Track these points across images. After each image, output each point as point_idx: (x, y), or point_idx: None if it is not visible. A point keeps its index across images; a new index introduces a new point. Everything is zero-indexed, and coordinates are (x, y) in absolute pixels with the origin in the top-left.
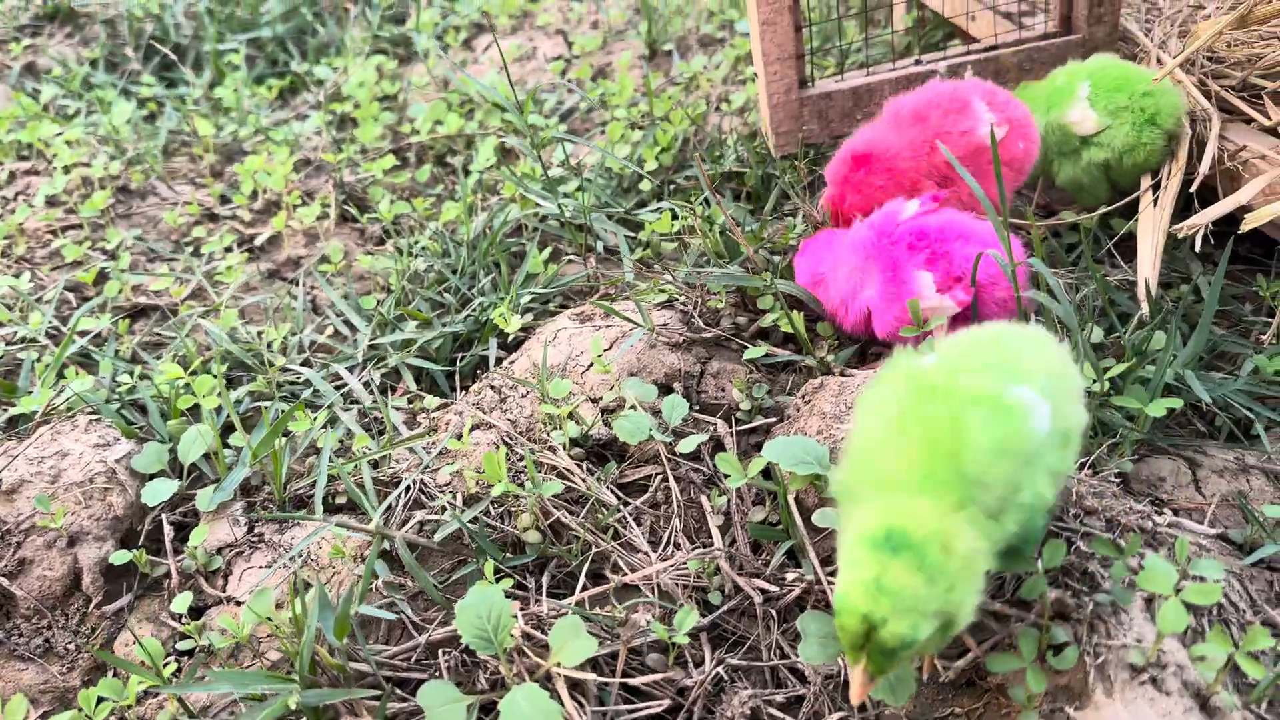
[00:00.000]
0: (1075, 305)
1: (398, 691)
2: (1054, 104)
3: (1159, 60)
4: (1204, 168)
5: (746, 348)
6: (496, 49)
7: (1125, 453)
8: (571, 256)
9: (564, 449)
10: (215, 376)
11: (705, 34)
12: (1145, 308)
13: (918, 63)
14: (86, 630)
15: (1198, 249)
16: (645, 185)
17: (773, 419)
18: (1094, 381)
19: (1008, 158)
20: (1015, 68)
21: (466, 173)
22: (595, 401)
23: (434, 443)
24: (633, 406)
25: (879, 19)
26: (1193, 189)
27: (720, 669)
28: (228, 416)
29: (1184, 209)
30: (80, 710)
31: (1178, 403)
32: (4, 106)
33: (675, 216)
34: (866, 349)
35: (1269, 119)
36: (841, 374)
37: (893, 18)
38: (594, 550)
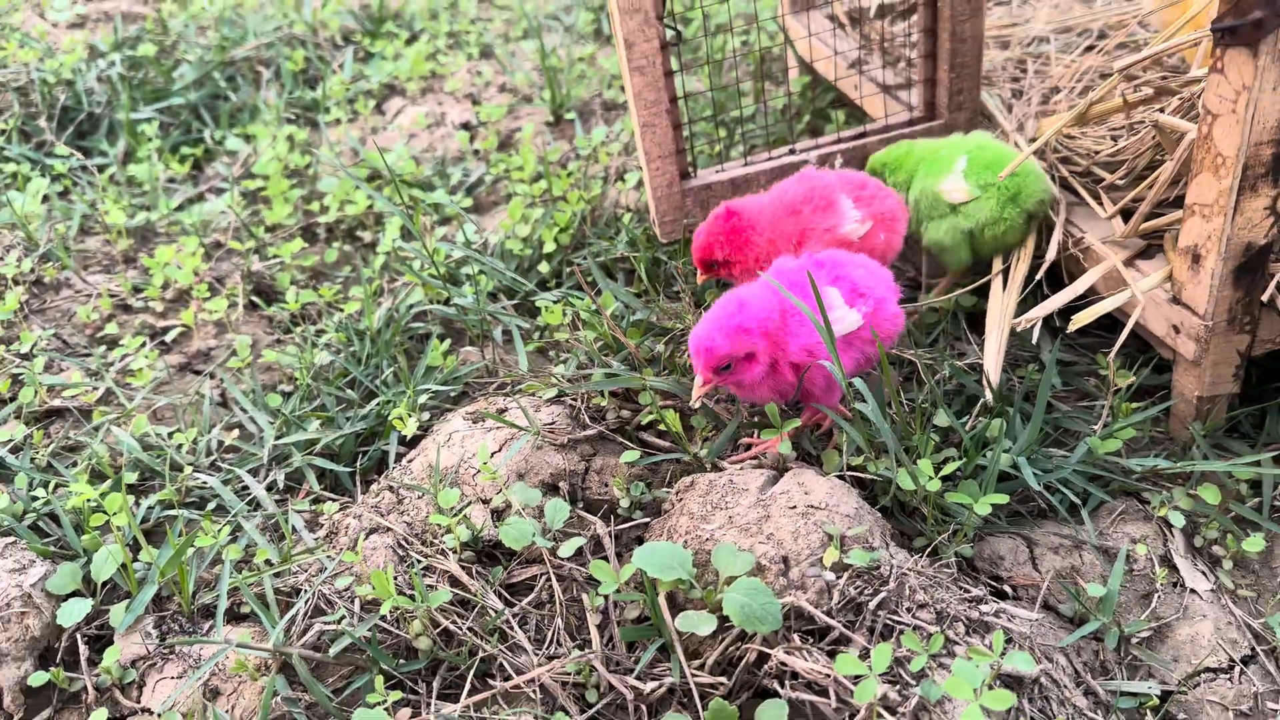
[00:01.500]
0: (931, 385)
1: None
2: (932, 171)
3: (1015, 143)
4: (1051, 253)
5: (629, 446)
6: (407, 114)
7: (966, 538)
8: (469, 348)
9: (454, 554)
10: (122, 494)
11: (609, 98)
12: (988, 395)
13: (792, 152)
14: None
15: (1034, 340)
16: (544, 267)
17: (649, 516)
18: (929, 479)
19: (869, 248)
20: None
21: (375, 249)
22: (486, 503)
23: (334, 547)
24: (518, 511)
25: (777, 74)
26: (1039, 276)
27: None
28: (141, 528)
29: (1039, 286)
30: None
31: (1004, 499)
32: None
33: (570, 304)
34: (738, 439)
35: (1105, 210)
36: (714, 467)
37: (787, 80)
38: (481, 654)
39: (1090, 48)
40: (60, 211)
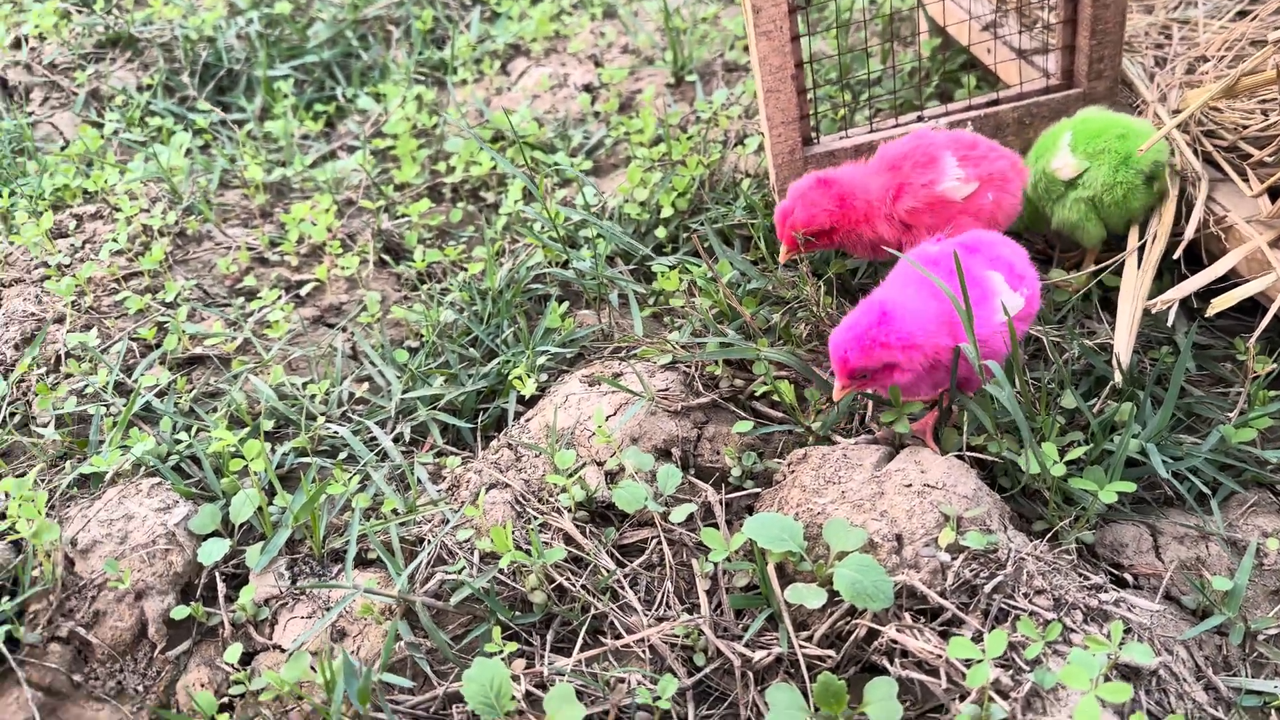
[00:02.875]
0: (1058, 365)
1: None
2: (1041, 154)
3: (1156, 114)
4: (1190, 231)
5: (742, 415)
6: (531, 76)
7: (1088, 524)
8: (587, 310)
9: (568, 513)
10: (260, 441)
11: (730, 60)
12: (1118, 377)
13: (920, 119)
14: (153, 674)
15: (1169, 322)
16: (661, 232)
17: (760, 487)
18: (1053, 463)
19: (975, 209)
20: (1015, 122)
21: (498, 210)
22: (600, 465)
23: (455, 500)
24: (631, 475)
25: (906, 35)
26: (1177, 254)
27: None
28: (277, 473)
29: (1175, 265)
30: None
31: (1130, 486)
32: (71, 135)
33: (686, 271)
34: (853, 415)
35: (1251, 188)
36: (828, 440)
37: (917, 41)
38: (593, 611)
39: (1243, 13)
40: (201, 165)
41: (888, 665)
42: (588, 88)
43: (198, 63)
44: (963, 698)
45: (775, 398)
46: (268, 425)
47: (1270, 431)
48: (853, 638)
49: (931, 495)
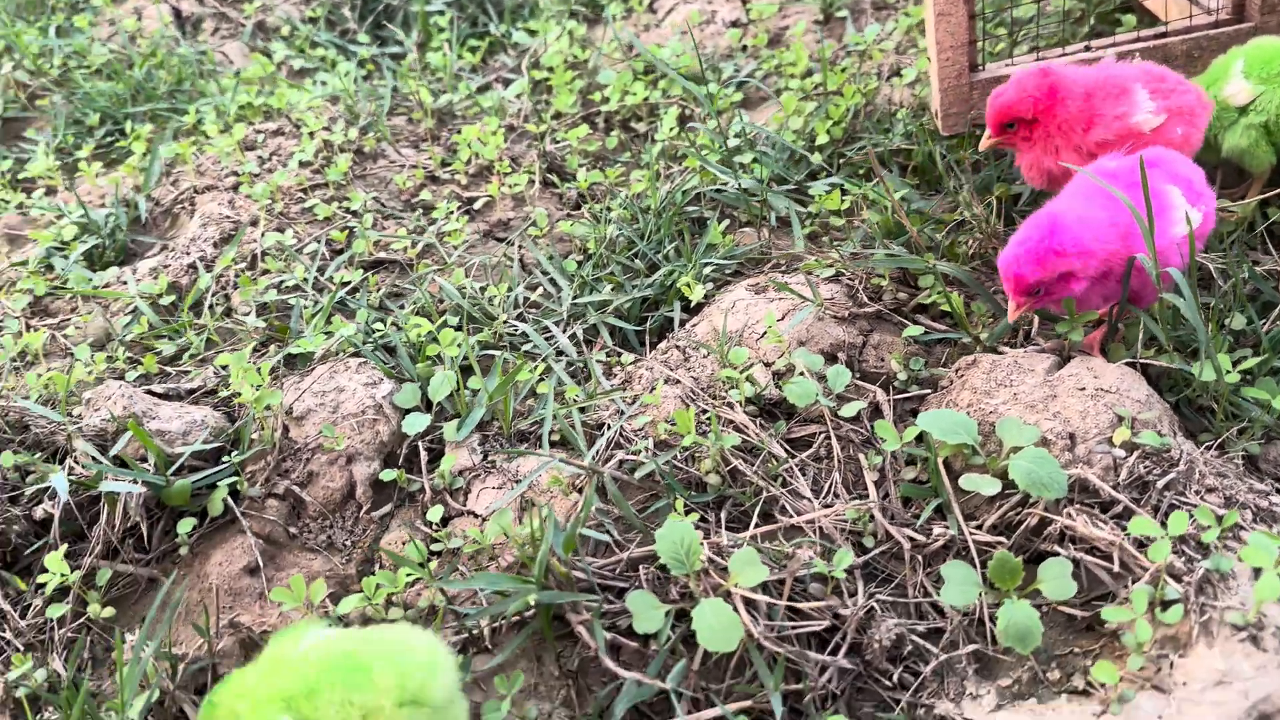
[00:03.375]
0: (1223, 293)
1: (608, 596)
2: (1213, 82)
3: None
4: None
5: (906, 323)
6: (679, 12)
7: (1254, 436)
8: (745, 229)
9: (740, 406)
10: (459, 330)
11: None
12: None
13: (1087, 48)
14: (359, 531)
15: None
16: (816, 158)
17: (926, 390)
18: (1226, 373)
19: (1163, 142)
20: (1183, 55)
21: (651, 140)
22: (768, 365)
23: (628, 395)
24: (801, 373)
25: None
26: None
27: (872, 601)
28: (463, 362)
29: None
30: (363, 594)
31: None
32: (240, 64)
33: (844, 192)
34: (1017, 330)
35: None
36: (994, 351)
37: None
38: (765, 494)
39: None
40: (365, 93)
41: (1059, 550)
42: (735, 23)
43: None
44: (1132, 583)
45: (944, 308)
46: (461, 319)
47: None
48: (1023, 527)
49: (1104, 398)
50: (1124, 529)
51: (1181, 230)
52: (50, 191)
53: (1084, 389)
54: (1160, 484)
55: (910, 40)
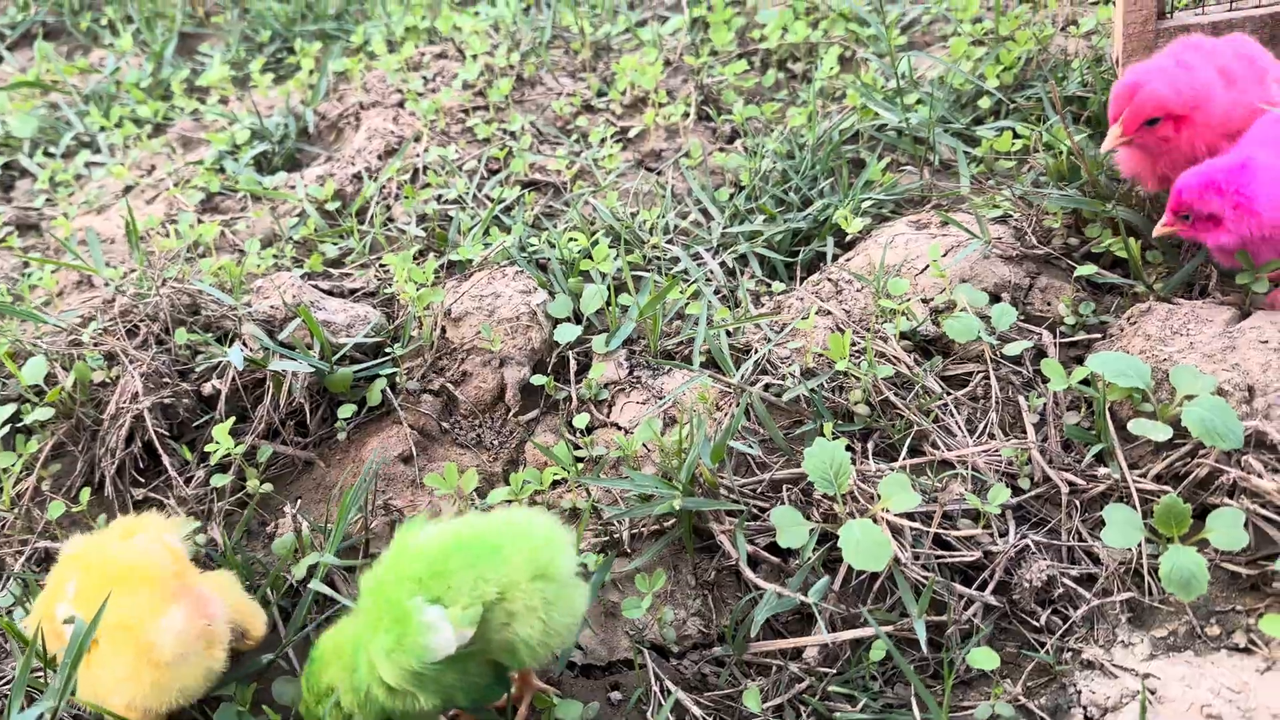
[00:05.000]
0: None
1: (752, 510)
2: None
3: None
4: None
5: (1075, 268)
6: None
7: None
8: (906, 167)
9: (894, 339)
10: (612, 247)
11: None
12: None
13: None
14: (506, 432)
15: None
16: (984, 102)
17: (1095, 336)
18: None
19: None
20: None
21: (808, 80)
22: (926, 302)
23: (778, 322)
24: (963, 309)
25: None
26: None
27: (1024, 541)
28: (614, 279)
29: None
30: (510, 488)
31: None
32: None
33: (1016, 136)
34: (1194, 282)
35: None
36: (1170, 301)
37: None
38: (915, 430)
39: None
40: (527, 24)
41: (1229, 504)
42: None
43: None
44: None
45: (1119, 253)
46: (619, 233)
47: None
48: (1190, 478)
49: None
50: None
51: None
52: (223, 101)
53: (1266, 342)
54: None
55: None
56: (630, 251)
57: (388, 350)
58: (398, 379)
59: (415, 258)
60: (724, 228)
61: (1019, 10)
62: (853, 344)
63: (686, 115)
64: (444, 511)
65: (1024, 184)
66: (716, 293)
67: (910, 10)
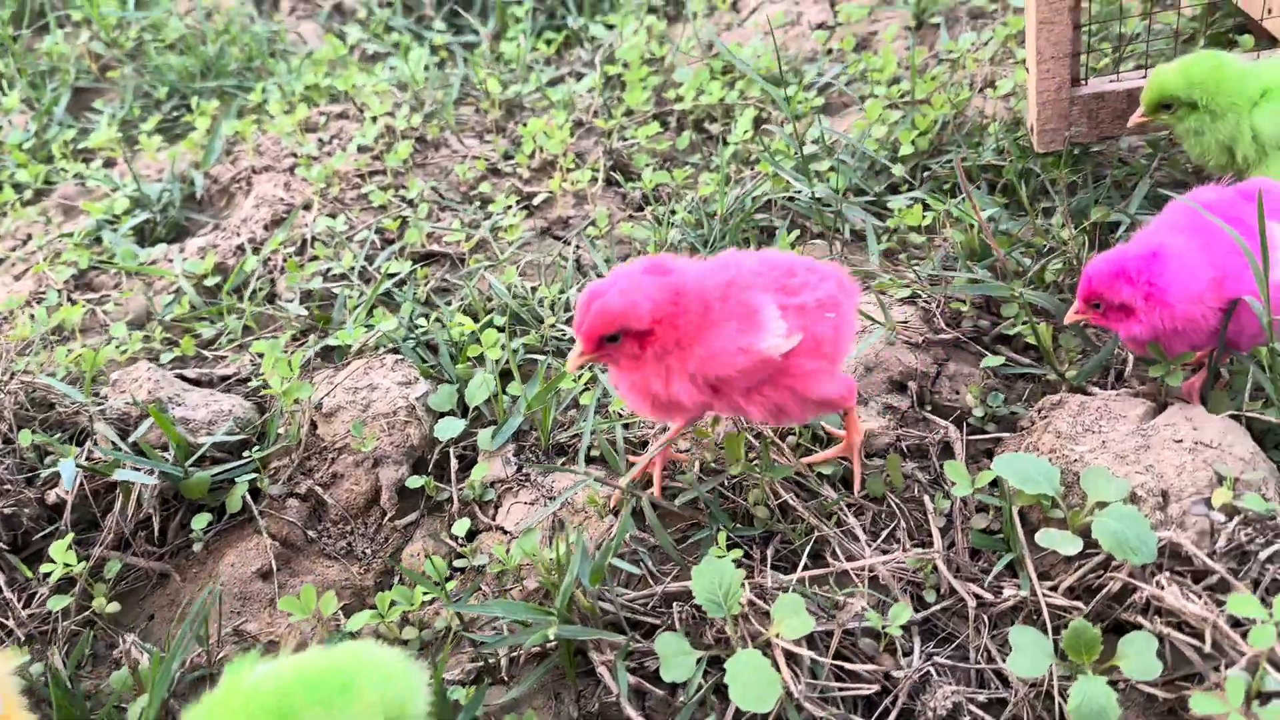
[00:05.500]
0: None
1: (636, 635)
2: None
3: None
4: None
5: (986, 354)
6: (763, 12)
7: None
8: (818, 240)
9: (793, 436)
10: (500, 331)
11: (976, 6)
12: None
13: None
14: (380, 539)
15: None
16: (898, 170)
17: (1004, 431)
18: None
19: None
20: None
21: (724, 142)
22: None
23: None
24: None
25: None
26: None
27: (929, 664)
28: (505, 365)
29: None
30: (375, 610)
31: None
32: (315, 45)
33: (926, 208)
34: (1110, 366)
35: None
36: (1083, 392)
37: (1178, 3)
38: (816, 534)
39: None
40: (436, 80)
41: (1143, 623)
42: (821, 25)
43: None
44: (1225, 666)
45: (1026, 341)
46: (504, 320)
47: None
48: (1103, 592)
49: (1204, 453)
50: (1220, 604)
51: None
52: (109, 164)
53: (1181, 441)
54: (1263, 555)
55: (1007, 51)
56: (526, 333)
57: (252, 450)
58: (261, 483)
59: (296, 338)
60: None
61: (936, 71)
62: (755, 436)
63: (595, 180)
64: (291, 642)
65: (934, 261)
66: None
67: (830, 69)
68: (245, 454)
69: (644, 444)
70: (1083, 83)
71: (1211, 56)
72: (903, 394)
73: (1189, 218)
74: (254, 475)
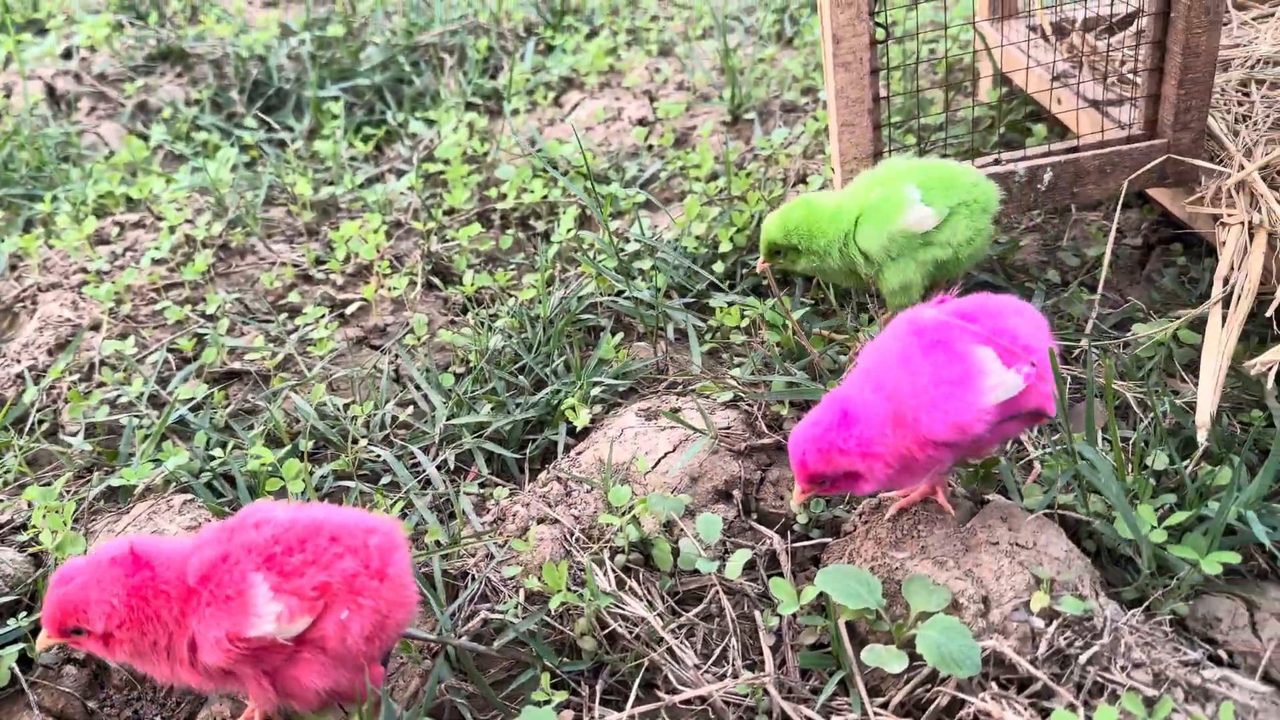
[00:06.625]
0: (1153, 419)
1: None
2: (881, 216)
3: (1241, 165)
4: None
5: None
6: (584, 108)
7: (1181, 595)
8: (642, 343)
9: (623, 554)
10: (301, 461)
11: (789, 100)
12: (1203, 439)
13: (997, 161)
14: (171, 705)
15: (1269, 385)
16: (718, 268)
17: (828, 535)
18: (1151, 529)
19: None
20: (1096, 170)
21: (548, 240)
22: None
23: (501, 534)
24: (658, 533)
25: (966, 87)
26: (1271, 311)
27: None
28: (309, 497)
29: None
30: None
31: (1235, 558)
32: (116, 146)
33: (745, 308)
34: None
35: None
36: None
37: (975, 92)
38: (646, 661)
39: None
40: (247, 181)
41: None
42: (642, 122)
43: (247, 80)
44: None
45: None
46: (306, 445)
47: None
48: (933, 706)
49: (1020, 555)
50: (1044, 713)
51: (993, 399)
52: None
53: (997, 544)
54: (1083, 659)
55: (818, 145)
56: (336, 457)
57: (21, 616)
58: (31, 651)
59: (80, 476)
60: (447, 418)
61: (752, 166)
62: (579, 564)
63: (414, 285)
64: None
65: (754, 362)
66: (440, 498)
67: (650, 165)
68: (12, 621)
69: (464, 575)
70: None
71: (803, 204)
72: (729, 503)
73: (873, 354)
74: (24, 645)
